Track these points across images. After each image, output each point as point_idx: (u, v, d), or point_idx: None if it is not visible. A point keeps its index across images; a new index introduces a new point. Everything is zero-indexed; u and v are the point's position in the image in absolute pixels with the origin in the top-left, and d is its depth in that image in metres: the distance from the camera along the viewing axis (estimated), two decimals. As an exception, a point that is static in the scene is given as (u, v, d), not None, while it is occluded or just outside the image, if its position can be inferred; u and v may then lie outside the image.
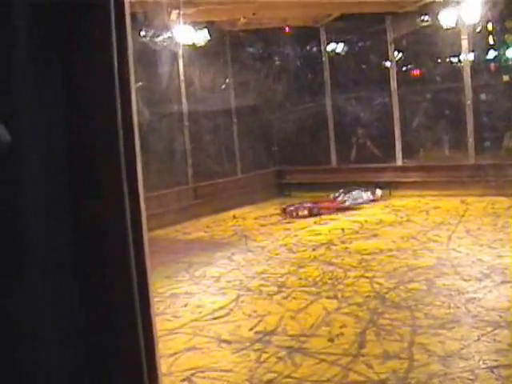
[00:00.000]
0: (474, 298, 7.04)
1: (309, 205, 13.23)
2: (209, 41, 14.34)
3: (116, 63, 1.16)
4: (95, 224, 1.18)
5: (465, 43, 13.73)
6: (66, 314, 1.16)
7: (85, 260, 1.16)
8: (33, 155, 1.11)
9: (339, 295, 7.65)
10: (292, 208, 13.15)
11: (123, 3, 1.19)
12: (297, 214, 12.86)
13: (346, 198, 13.88)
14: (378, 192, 14.27)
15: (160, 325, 7.07)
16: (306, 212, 12.89)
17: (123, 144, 1.18)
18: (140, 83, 13.62)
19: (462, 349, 5.69)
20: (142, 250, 1.22)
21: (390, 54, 15.05)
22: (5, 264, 1.11)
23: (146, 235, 1.24)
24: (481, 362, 5.39)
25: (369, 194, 14.07)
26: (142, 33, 13.40)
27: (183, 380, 5.67)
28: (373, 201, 13.99)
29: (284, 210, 13.31)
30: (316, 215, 12.83)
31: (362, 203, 13.79)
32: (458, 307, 6.83)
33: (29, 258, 1.13)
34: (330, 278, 8.39)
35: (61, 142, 1.13)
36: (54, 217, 1.14)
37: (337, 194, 14.12)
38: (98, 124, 1.17)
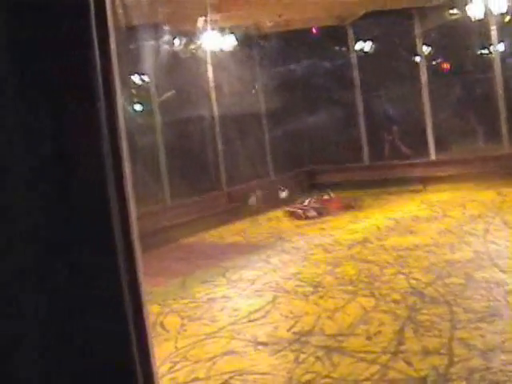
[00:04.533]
0: (514, 290, 6.94)
1: (316, 205, 13.21)
2: (237, 45, 14.37)
3: (100, 80, 1.14)
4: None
5: (494, 34, 13.60)
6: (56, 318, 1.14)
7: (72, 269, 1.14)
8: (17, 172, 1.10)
9: (376, 293, 7.58)
10: (299, 210, 13.12)
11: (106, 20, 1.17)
12: (306, 216, 12.80)
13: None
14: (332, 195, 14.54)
15: (198, 329, 7.10)
16: (314, 213, 12.84)
17: (109, 140, 1.16)
18: (172, 91, 13.71)
19: (504, 342, 5.60)
20: (132, 257, 1.19)
21: (418, 48, 14.95)
22: None
23: (136, 239, 1.21)
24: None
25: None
26: (170, 41, 13.48)
27: (221, 384, 5.66)
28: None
29: (292, 213, 13.33)
30: (323, 215, 12.84)
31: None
32: (497, 300, 6.73)
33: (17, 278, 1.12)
34: (366, 276, 8.32)
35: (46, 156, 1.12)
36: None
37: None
38: (82, 131, 1.15)
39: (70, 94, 1.13)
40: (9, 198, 1.09)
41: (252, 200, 14.07)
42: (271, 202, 14.56)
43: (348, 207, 13.41)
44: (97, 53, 1.14)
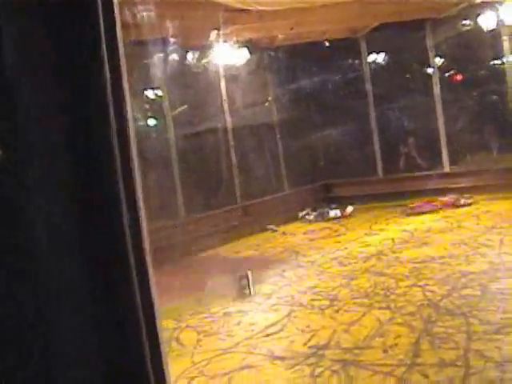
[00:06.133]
0: (530, 302, 6.93)
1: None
2: (249, 59, 14.42)
3: (109, 79, 1.17)
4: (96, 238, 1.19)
5: (506, 44, 13.59)
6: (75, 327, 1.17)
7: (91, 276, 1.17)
8: (35, 167, 1.13)
9: (392, 305, 7.58)
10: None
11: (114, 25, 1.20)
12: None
13: (311, 216, 14.66)
14: (349, 209, 14.68)
15: (214, 344, 7.11)
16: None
17: (120, 157, 1.18)
18: (185, 106, 13.77)
19: (520, 353, 5.60)
20: (145, 274, 1.22)
21: (431, 60, 14.96)
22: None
23: (148, 258, 1.24)
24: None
25: (337, 211, 14.59)
26: (183, 55, 13.56)
27: (238, 398, 5.68)
28: (343, 217, 14.43)
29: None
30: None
31: (327, 220, 14.38)
32: (513, 311, 6.73)
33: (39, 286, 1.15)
34: (381, 289, 8.32)
35: (61, 158, 1.15)
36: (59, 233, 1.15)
37: (304, 213, 14.85)
38: (94, 138, 1.18)
39: (82, 104, 1.16)
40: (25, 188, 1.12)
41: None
42: (286, 216, 14.60)
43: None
44: (106, 62, 1.17)
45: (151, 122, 14.06)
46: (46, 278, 1.14)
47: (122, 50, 1.22)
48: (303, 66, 16.19)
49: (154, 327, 1.24)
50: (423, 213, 13.32)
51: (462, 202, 13.36)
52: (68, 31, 1.15)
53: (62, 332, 1.15)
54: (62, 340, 1.15)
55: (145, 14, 10.43)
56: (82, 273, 1.16)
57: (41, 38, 1.13)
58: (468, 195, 13.50)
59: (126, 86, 1.23)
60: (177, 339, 7.39)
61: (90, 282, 1.17)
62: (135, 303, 1.20)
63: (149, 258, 1.24)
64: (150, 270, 1.24)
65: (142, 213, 1.24)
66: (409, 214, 13.45)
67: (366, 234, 12.28)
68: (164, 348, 1.28)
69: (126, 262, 1.19)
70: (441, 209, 13.37)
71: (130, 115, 1.23)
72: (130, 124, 1.23)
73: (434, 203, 13.58)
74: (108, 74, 1.18)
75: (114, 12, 1.22)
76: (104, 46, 1.17)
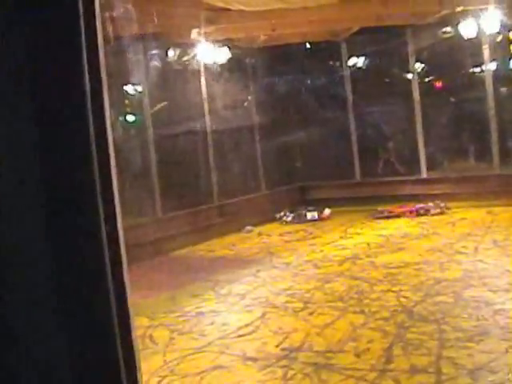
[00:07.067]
0: (503, 310, 6.94)
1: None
2: (230, 58, 14.39)
3: (87, 76, 1.15)
4: (71, 246, 1.17)
5: (486, 53, 13.67)
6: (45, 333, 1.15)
7: (61, 283, 1.15)
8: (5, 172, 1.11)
9: (366, 310, 7.59)
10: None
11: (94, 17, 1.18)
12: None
13: (289, 217, 14.63)
14: (327, 211, 14.63)
15: (186, 343, 7.09)
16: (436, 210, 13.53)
17: (97, 157, 1.17)
18: (164, 103, 13.70)
19: (491, 361, 5.61)
20: (120, 269, 1.20)
21: (411, 66, 15.02)
22: None
23: (124, 254, 1.22)
24: (510, 375, 5.31)
25: (314, 213, 14.58)
26: (164, 53, 13.52)
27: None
28: (321, 219, 14.42)
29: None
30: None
31: (305, 222, 14.39)
32: (486, 319, 6.74)
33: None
34: (356, 293, 8.33)
35: (33, 160, 1.13)
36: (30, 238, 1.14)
37: (281, 214, 14.78)
38: (70, 138, 1.16)
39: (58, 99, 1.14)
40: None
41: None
42: (263, 217, 14.58)
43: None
44: (85, 60, 1.15)
45: (129, 118, 13.97)
46: (14, 275, 1.13)
47: (102, 51, 1.21)
48: (284, 68, 16.18)
49: (128, 326, 1.23)
50: (390, 217, 13.41)
51: (432, 211, 13.38)
52: (46, 26, 1.13)
53: (30, 331, 1.13)
54: (30, 340, 1.14)
55: (126, 10, 10.37)
56: (51, 269, 1.14)
57: (14, 33, 1.11)
58: (442, 204, 13.52)
59: (105, 87, 1.21)
60: (150, 337, 7.35)
61: (60, 279, 1.15)
62: (109, 302, 1.18)
63: (124, 255, 1.22)
64: (125, 266, 1.23)
65: (119, 211, 1.22)
66: (376, 218, 13.52)
67: (341, 237, 12.29)
68: (138, 347, 1.26)
69: (101, 258, 1.17)
70: (411, 215, 13.40)
71: (108, 116, 1.21)
72: (108, 124, 1.22)
73: (404, 209, 13.62)
74: (87, 75, 1.16)
75: (94, 9, 1.20)
76: (84, 45, 1.16)
